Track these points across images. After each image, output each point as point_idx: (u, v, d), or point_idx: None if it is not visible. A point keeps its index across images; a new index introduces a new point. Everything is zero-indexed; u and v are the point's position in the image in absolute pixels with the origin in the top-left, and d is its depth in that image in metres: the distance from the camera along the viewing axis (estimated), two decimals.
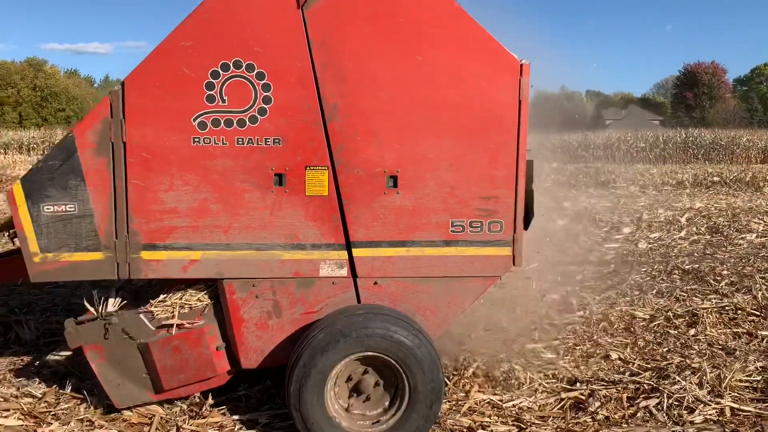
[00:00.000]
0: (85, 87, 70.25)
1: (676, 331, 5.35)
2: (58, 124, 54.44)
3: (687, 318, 5.64)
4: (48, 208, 3.38)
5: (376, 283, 3.58)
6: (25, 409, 3.79)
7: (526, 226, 3.67)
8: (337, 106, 3.41)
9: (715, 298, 6.19)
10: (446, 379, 4.25)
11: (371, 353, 3.31)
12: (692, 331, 5.33)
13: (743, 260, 8.03)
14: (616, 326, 5.52)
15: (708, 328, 5.39)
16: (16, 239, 3.59)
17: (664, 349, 4.90)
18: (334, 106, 3.41)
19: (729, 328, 5.43)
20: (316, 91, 3.40)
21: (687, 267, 7.65)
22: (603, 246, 9.36)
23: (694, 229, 10.45)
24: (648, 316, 5.72)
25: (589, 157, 32.46)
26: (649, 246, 9.30)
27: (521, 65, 3.50)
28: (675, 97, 79.29)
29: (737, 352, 4.80)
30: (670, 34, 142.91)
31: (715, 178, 19.96)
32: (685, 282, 7.00)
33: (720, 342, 5.10)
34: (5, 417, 3.70)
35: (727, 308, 5.84)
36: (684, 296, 6.34)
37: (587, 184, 19.12)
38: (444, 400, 3.94)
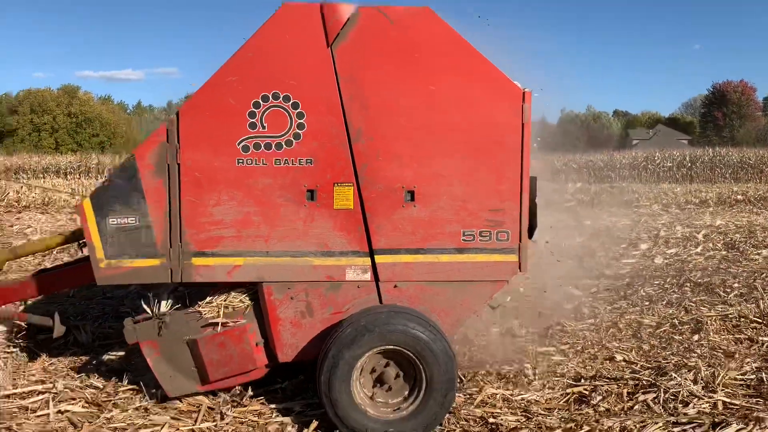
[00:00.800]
0: (118, 113, 72.20)
1: (680, 337, 5.69)
2: (92, 149, 55.99)
3: (692, 325, 5.98)
4: (113, 221, 3.92)
5: (396, 286, 4.04)
6: (89, 398, 4.32)
7: (530, 236, 4.10)
8: (362, 131, 3.91)
9: (722, 308, 6.51)
10: (462, 376, 4.68)
11: (392, 347, 3.76)
12: (696, 337, 5.67)
13: (755, 274, 8.31)
14: (624, 332, 5.88)
15: (711, 334, 5.73)
16: (84, 248, 4.14)
17: (668, 353, 5.25)
18: (358, 130, 3.91)
19: (731, 335, 5.76)
20: (343, 118, 3.90)
21: (699, 280, 7.95)
22: (620, 261, 9.67)
23: (711, 245, 10.71)
24: (655, 323, 6.07)
25: (615, 177, 32.62)
26: (665, 261, 9.59)
27: (523, 92, 3.96)
28: (704, 116, 78.79)
29: (736, 355, 5.13)
30: (699, 53, 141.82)
31: (739, 197, 20.06)
32: (695, 294, 7.31)
33: (722, 347, 5.43)
34: (72, 404, 4.23)
35: (730, 316, 6.17)
36: (692, 306, 6.67)
37: (610, 203, 19.36)
38: (459, 394, 4.38)
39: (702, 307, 6.60)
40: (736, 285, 7.64)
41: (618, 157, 36.35)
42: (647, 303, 6.89)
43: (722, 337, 5.69)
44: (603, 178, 32.46)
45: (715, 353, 5.23)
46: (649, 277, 8.39)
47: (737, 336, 5.71)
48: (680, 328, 5.92)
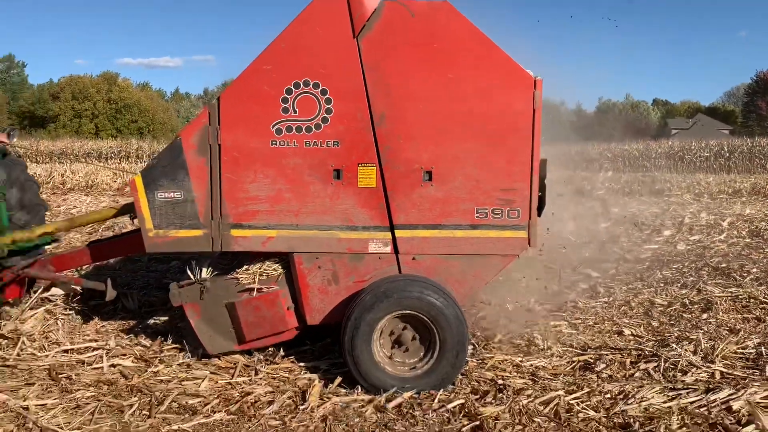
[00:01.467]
0: (156, 99, 73.67)
1: (689, 315, 5.96)
2: (131, 134, 57.44)
3: (702, 305, 6.23)
4: (160, 195, 4.37)
5: (414, 258, 4.42)
6: (138, 355, 4.82)
7: (539, 214, 4.44)
8: (384, 116, 4.28)
9: (734, 290, 6.73)
10: (475, 344, 5.04)
11: (408, 311, 4.15)
12: (704, 315, 5.93)
13: None
14: (635, 310, 6.17)
15: (720, 313, 5.98)
16: (135, 220, 4.62)
17: (675, 329, 5.53)
18: (381, 115, 4.28)
19: (740, 314, 5.99)
20: (367, 103, 4.27)
21: (717, 265, 8.15)
22: (642, 247, 9.88)
23: (735, 232, 10.82)
24: (666, 303, 6.34)
25: (650, 167, 32.35)
26: (687, 247, 9.76)
27: (535, 80, 4.28)
28: (746, 105, 76.82)
29: (741, 332, 5.39)
30: (744, 41, 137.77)
31: None
32: (712, 277, 7.52)
33: (728, 324, 5.68)
34: (123, 359, 4.73)
35: (741, 297, 6.40)
36: (706, 289, 6.89)
37: (641, 192, 19.39)
38: (472, 359, 4.75)
39: (715, 289, 6.81)
40: (754, 270, 7.82)
41: (654, 147, 35.99)
42: (662, 285, 7.14)
43: (730, 316, 5.93)
44: (638, 167, 32.21)
45: (720, 330, 5.48)
46: (669, 261, 8.60)
47: (745, 315, 5.95)
48: (690, 307, 6.18)
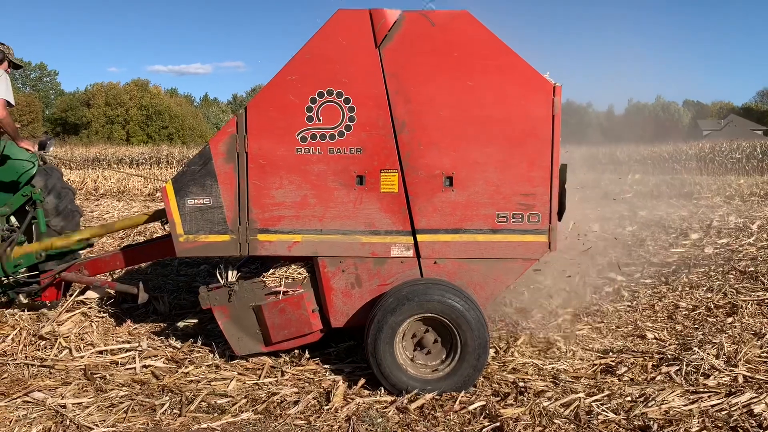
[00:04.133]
0: (185, 106, 74.90)
1: (714, 319, 5.93)
2: (162, 140, 58.50)
3: (727, 308, 6.20)
4: (190, 201, 4.54)
5: (435, 262, 4.50)
6: (169, 356, 4.99)
7: (559, 218, 4.49)
8: (405, 123, 4.38)
9: (761, 294, 6.67)
10: (497, 347, 5.11)
11: (430, 314, 4.24)
12: (729, 320, 5.90)
13: None
14: (659, 314, 6.16)
15: (745, 317, 5.94)
16: (166, 225, 4.79)
17: (699, 333, 5.52)
18: (403, 122, 4.38)
19: (766, 318, 5.95)
20: (389, 111, 4.38)
21: (745, 269, 8.06)
22: (668, 250, 9.80)
23: (765, 235, 10.66)
24: (691, 306, 6.32)
25: (680, 169, 31.89)
26: (715, 251, 9.65)
27: (554, 87, 4.34)
28: None
29: (766, 336, 5.35)
30: None
31: None
32: (739, 281, 7.45)
33: (753, 328, 5.64)
34: (155, 360, 4.90)
35: (767, 301, 6.34)
36: (732, 292, 6.84)
37: (670, 194, 19.18)
38: (494, 362, 4.82)
39: (740, 293, 6.76)
40: None
41: (684, 148, 35.46)
42: (688, 288, 7.10)
43: (756, 320, 5.89)
44: (668, 170, 31.77)
45: (745, 334, 5.46)
46: (696, 265, 8.52)
47: None
48: (715, 311, 6.15)
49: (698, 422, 3.79)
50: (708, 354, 4.76)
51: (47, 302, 5.86)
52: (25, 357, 4.96)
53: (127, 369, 4.80)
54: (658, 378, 4.54)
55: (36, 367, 4.80)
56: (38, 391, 4.38)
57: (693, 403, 4.05)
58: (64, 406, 4.13)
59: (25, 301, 5.87)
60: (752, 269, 8.02)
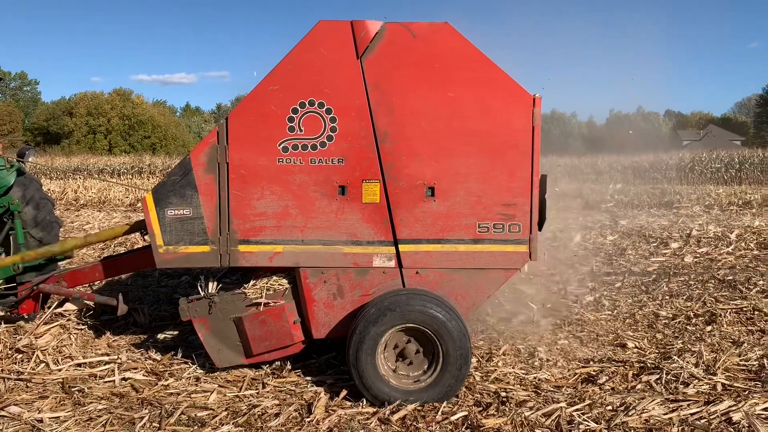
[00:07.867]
0: (168, 115, 74.41)
1: (693, 328, 5.99)
2: (144, 150, 58.05)
3: (706, 317, 6.26)
4: (170, 212, 4.50)
5: (417, 272, 4.51)
6: (149, 368, 4.93)
7: (540, 228, 4.52)
8: (387, 133, 4.39)
9: (738, 303, 6.75)
10: (480, 357, 5.11)
11: (411, 325, 4.24)
12: (708, 328, 5.96)
13: None
14: (640, 323, 6.21)
15: (724, 325, 6.01)
16: (146, 236, 4.74)
17: (679, 342, 5.57)
18: (384, 133, 4.39)
19: (744, 326, 6.02)
20: (371, 121, 4.39)
21: (724, 277, 8.16)
22: (648, 259, 9.90)
23: (743, 244, 10.81)
24: (671, 315, 6.37)
25: (661, 179, 32.26)
26: (695, 260, 9.76)
27: (534, 98, 4.38)
28: (758, 116, 76.62)
29: (744, 345, 5.41)
30: (755, 52, 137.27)
31: None
32: (718, 290, 7.54)
33: (732, 337, 5.71)
34: (134, 373, 4.84)
35: (745, 309, 6.42)
36: (711, 301, 6.92)
37: (650, 204, 19.39)
38: (476, 373, 4.82)
39: (719, 302, 6.84)
40: (760, 282, 7.83)
41: (665, 158, 35.89)
42: (668, 297, 7.17)
43: (734, 328, 5.96)
44: (648, 179, 32.12)
45: (723, 342, 5.52)
46: (676, 274, 8.62)
47: (749, 328, 5.98)
48: (694, 320, 6.21)
49: (678, 430, 3.82)
50: (687, 363, 4.80)
51: (25, 315, 5.77)
52: (1, 370, 4.88)
53: (106, 382, 4.73)
54: (639, 387, 4.57)
55: (12, 381, 4.72)
56: (14, 405, 4.30)
57: (673, 411, 4.08)
58: (40, 420, 4.07)
59: (2, 314, 5.79)
60: (731, 278, 8.12)
